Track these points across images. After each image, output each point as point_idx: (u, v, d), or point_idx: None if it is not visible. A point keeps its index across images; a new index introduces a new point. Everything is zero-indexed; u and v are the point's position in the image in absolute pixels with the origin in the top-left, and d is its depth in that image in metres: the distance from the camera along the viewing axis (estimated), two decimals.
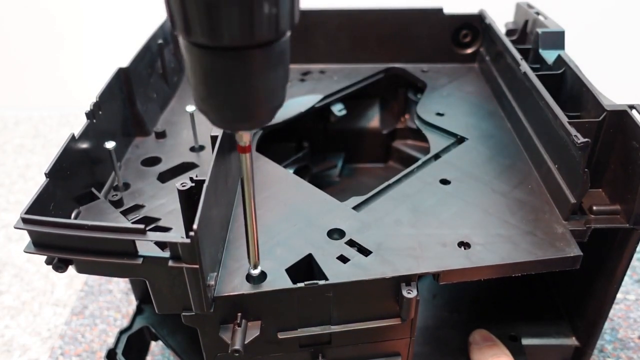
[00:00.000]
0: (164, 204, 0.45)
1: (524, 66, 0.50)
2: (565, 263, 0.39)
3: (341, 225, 0.41)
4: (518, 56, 0.52)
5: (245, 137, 0.30)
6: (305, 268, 0.39)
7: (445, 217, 0.42)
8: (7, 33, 1.10)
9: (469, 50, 0.67)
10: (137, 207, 0.44)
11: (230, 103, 0.27)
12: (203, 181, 0.34)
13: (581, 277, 0.47)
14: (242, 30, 0.24)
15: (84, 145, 0.43)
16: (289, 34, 0.26)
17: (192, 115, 0.50)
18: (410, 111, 0.70)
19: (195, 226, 0.31)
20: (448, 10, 0.65)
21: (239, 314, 0.36)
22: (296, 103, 0.60)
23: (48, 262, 0.35)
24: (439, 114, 0.57)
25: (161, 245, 0.35)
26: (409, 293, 0.36)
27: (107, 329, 0.63)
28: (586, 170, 0.38)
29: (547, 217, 0.42)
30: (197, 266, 0.32)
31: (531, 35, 0.59)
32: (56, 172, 0.38)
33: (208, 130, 0.41)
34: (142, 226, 0.32)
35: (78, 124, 0.43)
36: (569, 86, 0.48)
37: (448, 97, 0.60)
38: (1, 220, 0.82)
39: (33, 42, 1.10)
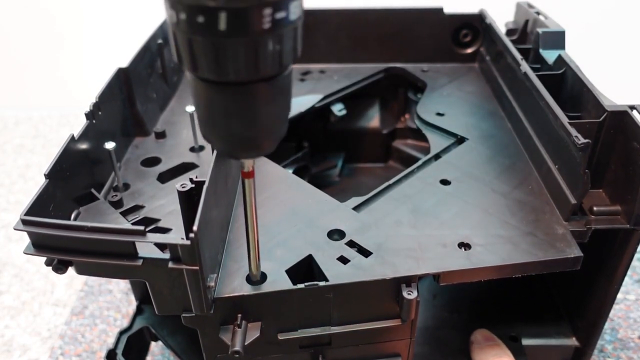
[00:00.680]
0: (164, 204, 0.45)
1: (524, 66, 0.50)
2: (566, 264, 0.39)
3: (341, 226, 0.41)
4: (518, 56, 0.52)
5: (249, 164, 0.31)
6: (306, 269, 0.39)
7: (446, 218, 0.42)
8: (7, 33, 1.10)
9: (469, 50, 0.67)
10: (137, 208, 0.44)
11: (234, 134, 0.27)
12: (203, 182, 0.34)
13: (581, 277, 0.47)
14: (247, 68, 0.25)
15: (84, 146, 0.43)
16: (291, 67, 0.27)
17: (191, 115, 0.50)
18: (410, 111, 0.70)
19: (195, 227, 0.31)
20: (448, 10, 0.65)
21: (239, 315, 0.36)
22: (296, 103, 0.60)
23: (48, 264, 0.35)
24: (439, 114, 0.57)
25: (161, 246, 0.35)
26: (409, 294, 0.36)
27: (107, 329, 0.63)
28: (587, 170, 0.38)
29: (548, 218, 0.42)
30: (197, 267, 0.32)
31: (531, 35, 0.58)
32: (56, 173, 0.38)
33: None
34: (142, 228, 0.32)
35: (78, 124, 0.43)
36: (569, 86, 0.48)
37: (448, 97, 0.60)
38: (1, 220, 0.82)
39: (33, 42, 1.10)
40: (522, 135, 0.51)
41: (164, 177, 0.48)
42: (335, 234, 0.41)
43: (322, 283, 0.36)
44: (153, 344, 0.56)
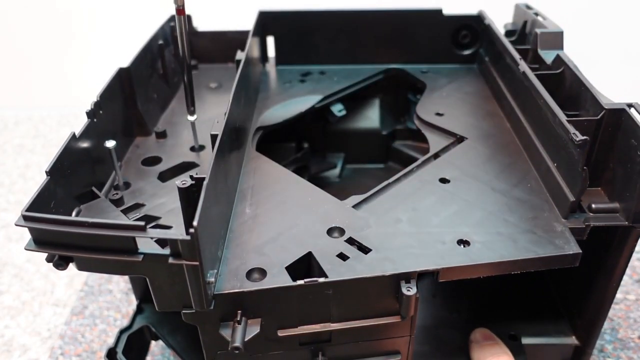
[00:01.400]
0: (164, 202, 0.45)
1: (523, 66, 0.50)
2: (565, 261, 0.39)
3: (341, 223, 0.42)
4: (517, 56, 0.52)
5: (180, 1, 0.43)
6: (305, 266, 0.39)
7: (445, 216, 0.42)
8: (7, 33, 1.10)
9: (469, 51, 0.67)
10: (138, 206, 0.44)
11: None
12: (203, 179, 0.34)
13: (581, 275, 0.48)
14: None
15: (85, 144, 0.43)
16: None
17: (193, 123, 0.51)
18: (409, 112, 0.70)
19: (195, 223, 0.31)
20: (447, 11, 0.66)
21: (239, 311, 0.36)
22: (296, 103, 0.60)
23: (48, 260, 0.35)
24: (438, 114, 0.57)
25: (161, 243, 0.35)
26: (408, 290, 0.36)
27: (107, 329, 0.63)
28: (585, 168, 0.38)
29: (547, 215, 0.42)
30: (197, 263, 0.32)
31: (530, 36, 0.59)
32: (57, 171, 0.38)
33: (208, 130, 0.41)
34: (142, 223, 0.32)
35: (78, 124, 0.43)
36: (567, 86, 0.48)
37: (447, 98, 0.60)
38: (1, 220, 0.82)
39: (33, 42, 1.11)
40: (521, 134, 0.51)
41: (165, 176, 0.49)
42: (335, 232, 0.41)
43: (321, 279, 0.36)
44: (153, 343, 0.56)
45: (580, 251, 0.39)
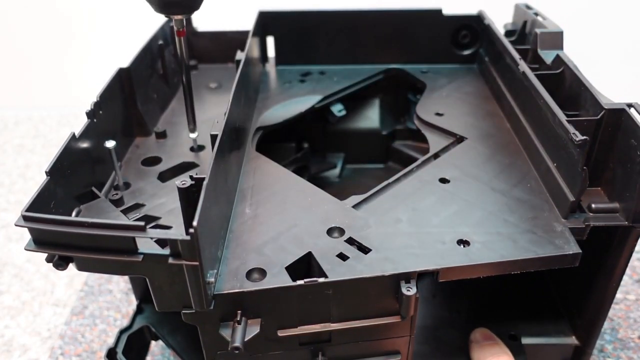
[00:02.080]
0: (164, 203, 0.45)
1: (523, 66, 0.50)
2: (565, 260, 0.39)
3: (341, 223, 0.42)
4: (517, 56, 0.52)
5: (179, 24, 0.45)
6: (305, 266, 0.39)
7: (445, 216, 0.42)
8: (7, 34, 1.10)
9: (468, 51, 0.67)
10: (138, 206, 0.44)
11: None
12: (203, 179, 0.34)
13: (581, 275, 0.48)
14: None
15: (85, 145, 0.43)
16: None
17: (194, 139, 0.52)
18: (409, 112, 0.70)
19: (195, 223, 0.31)
20: (447, 11, 0.66)
21: (239, 311, 0.36)
22: (296, 103, 0.60)
23: (48, 260, 0.35)
24: (438, 114, 0.57)
25: (161, 243, 0.35)
26: (408, 290, 0.36)
27: (107, 329, 0.63)
28: (585, 168, 0.38)
29: (546, 215, 0.42)
30: (197, 263, 0.32)
31: (530, 36, 0.59)
32: (57, 171, 0.38)
33: (208, 130, 0.41)
34: (142, 223, 0.32)
35: (78, 124, 0.43)
36: (567, 85, 0.48)
37: (447, 98, 0.60)
38: (1, 220, 0.82)
39: (33, 42, 1.11)
40: (521, 135, 0.51)
41: (165, 176, 0.49)
42: (335, 232, 0.41)
43: (321, 279, 0.36)
44: (153, 343, 0.56)
45: (580, 251, 0.39)
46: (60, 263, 0.34)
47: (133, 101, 0.52)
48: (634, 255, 0.68)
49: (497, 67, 0.60)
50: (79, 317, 0.64)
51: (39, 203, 0.35)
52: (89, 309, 0.65)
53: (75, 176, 0.41)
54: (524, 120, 0.50)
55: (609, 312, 0.46)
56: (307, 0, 0.70)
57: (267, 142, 0.58)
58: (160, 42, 0.58)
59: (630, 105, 0.40)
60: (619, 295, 0.64)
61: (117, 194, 0.45)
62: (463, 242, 0.40)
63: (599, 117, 0.40)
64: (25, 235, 0.34)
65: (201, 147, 0.52)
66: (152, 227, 0.42)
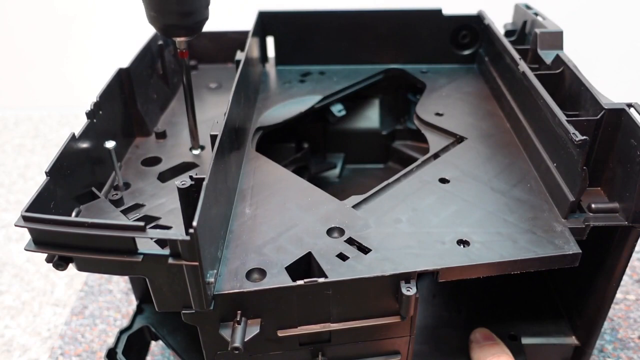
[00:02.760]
0: (164, 203, 0.45)
1: (523, 66, 0.50)
2: (564, 260, 0.39)
3: (341, 223, 0.42)
4: (517, 56, 0.52)
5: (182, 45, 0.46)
6: (305, 266, 0.39)
7: (445, 216, 0.42)
8: (7, 34, 1.10)
9: (468, 51, 0.67)
10: (137, 206, 0.44)
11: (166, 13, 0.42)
12: (203, 179, 0.34)
13: (580, 276, 0.48)
14: None
15: (85, 145, 0.43)
16: None
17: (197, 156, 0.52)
18: (409, 112, 0.70)
19: (195, 223, 0.31)
20: (447, 11, 0.66)
21: (239, 311, 0.36)
22: (296, 103, 0.60)
23: (48, 260, 0.35)
24: (438, 114, 0.57)
25: (161, 243, 0.35)
26: (408, 290, 0.36)
27: (107, 329, 0.63)
28: (584, 168, 0.38)
29: (546, 215, 0.42)
30: (196, 263, 0.32)
31: (530, 36, 0.59)
32: (56, 171, 0.38)
33: (208, 130, 0.41)
34: (142, 224, 0.32)
35: (78, 124, 0.44)
36: (567, 85, 0.48)
37: (447, 98, 0.60)
38: (1, 220, 0.82)
39: (33, 42, 1.11)
40: (521, 135, 0.51)
41: (165, 177, 0.49)
42: (335, 232, 0.41)
43: (321, 280, 0.36)
44: (153, 343, 0.56)
45: (580, 251, 0.39)
46: (60, 263, 0.34)
47: (133, 101, 0.52)
48: (634, 255, 0.68)
49: (497, 67, 0.60)
50: (79, 317, 0.64)
51: (38, 203, 0.35)
52: (89, 309, 0.65)
53: (75, 176, 0.41)
54: (523, 120, 0.50)
55: (608, 312, 0.46)
56: (307, 0, 0.70)
57: (267, 142, 0.58)
58: (160, 42, 0.58)
59: (630, 105, 0.40)
60: (619, 295, 0.64)
61: (117, 194, 0.45)
62: (463, 242, 0.40)
63: (598, 117, 0.40)
64: (25, 235, 0.34)
65: (201, 147, 0.52)
66: (152, 228, 0.42)
